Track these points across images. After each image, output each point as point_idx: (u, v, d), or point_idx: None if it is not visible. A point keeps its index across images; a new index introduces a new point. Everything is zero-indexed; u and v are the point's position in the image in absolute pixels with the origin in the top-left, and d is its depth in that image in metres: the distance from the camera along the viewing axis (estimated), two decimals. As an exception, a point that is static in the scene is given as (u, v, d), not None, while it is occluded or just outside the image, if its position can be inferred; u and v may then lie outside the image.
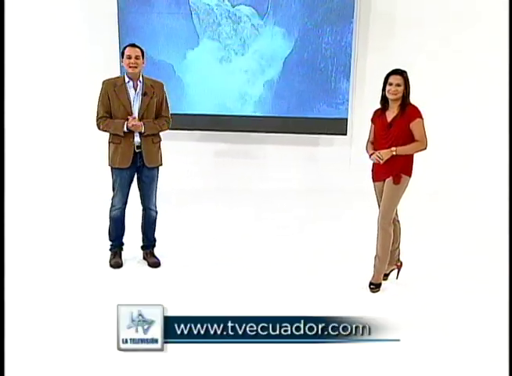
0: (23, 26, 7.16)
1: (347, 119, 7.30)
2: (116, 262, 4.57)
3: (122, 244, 4.70)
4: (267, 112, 7.38)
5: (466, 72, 7.20)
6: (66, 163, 7.58)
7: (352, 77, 7.16)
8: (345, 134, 7.34)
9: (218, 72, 7.31)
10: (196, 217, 6.14)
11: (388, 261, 4.24)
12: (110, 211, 4.55)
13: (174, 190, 6.53)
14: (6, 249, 3.94)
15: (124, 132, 4.25)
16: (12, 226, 5.42)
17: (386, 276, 4.35)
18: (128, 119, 4.23)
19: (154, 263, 4.62)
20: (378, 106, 4.16)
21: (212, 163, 7.75)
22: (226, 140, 7.66)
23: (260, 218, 6.20)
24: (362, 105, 7.28)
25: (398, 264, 4.41)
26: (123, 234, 4.67)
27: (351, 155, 7.57)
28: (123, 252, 4.70)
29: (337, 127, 7.31)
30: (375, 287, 4.19)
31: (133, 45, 4.27)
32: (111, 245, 4.67)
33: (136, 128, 4.23)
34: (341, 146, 7.58)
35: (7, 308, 3.39)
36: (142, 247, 4.75)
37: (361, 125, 7.19)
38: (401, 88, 3.91)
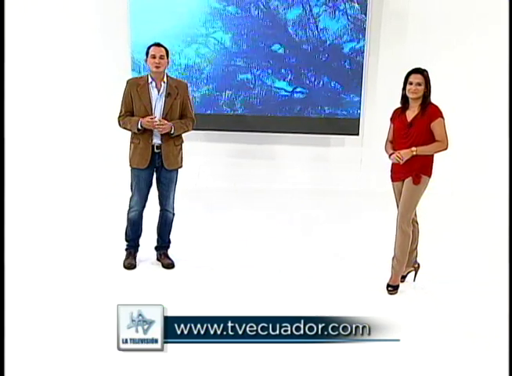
0: (31, 25, 7.23)
1: (359, 119, 7.25)
2: (129, 264, 4.55)
3: (138, 245, 4.69)
4: (278, 112, 7.37)
5: (483, 71, 7.09)
6: (88, 163, 7.64)
7: (364, 76, 7.12)
8: (357, 134, 7.30)
9: (229, 70, 7.32)
10: (203, 217, 6.11)
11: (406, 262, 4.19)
12: (128, 212, 4.54)
13: (184, 191, 6.55)
14: (12, 247, 3.98)
15: (139, 130, 4.23)
16: (27, 224, 5.60)
17: (403, 277, 4.29)
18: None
19: (168, 264, 4.60)
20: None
21: (222, 163, 7.75)
22: (237, 140, 7.67)
23: (270, 218, 6.16)
24: (374, 105, 7.26)
25: (416, 266, 4.33)
26: (139, 236, 4.65)
27: (362, 155, 7.54)
28: (138, 253, 4.68)
29: (349, 127, 7.27)
30: (393, 289, 4.13)
31: (158, 45, 4.26)
32: (127, 245, 4.66)
33: (162, 130, 4.21)
34: (352, 147, 7.55)
35: (7, 307, 3.42)
36: (156, 248, 4.73)
37: (372, 125, 7.18)
38: (421, 88, 3.86)
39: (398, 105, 4.10)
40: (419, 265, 4.35)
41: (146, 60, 4.31)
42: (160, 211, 4.61)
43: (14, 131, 6.88)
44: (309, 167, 7.66)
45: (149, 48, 4.27)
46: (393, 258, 4.16)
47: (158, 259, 4.70)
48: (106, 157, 7.38)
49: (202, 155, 7.44)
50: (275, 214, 6.36)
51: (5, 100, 5.30)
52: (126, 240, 4.65)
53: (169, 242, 4.73)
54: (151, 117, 4.22)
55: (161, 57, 4.21)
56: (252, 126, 7.46)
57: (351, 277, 4.40)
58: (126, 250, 4.65)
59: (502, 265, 4.62)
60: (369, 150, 7.36)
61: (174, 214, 4.63)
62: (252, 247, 5.10)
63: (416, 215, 4.17)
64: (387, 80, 7.03)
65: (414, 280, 4.34)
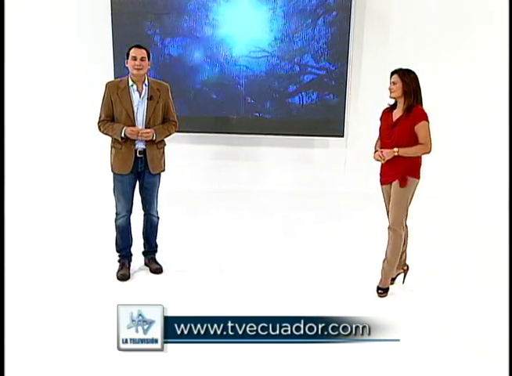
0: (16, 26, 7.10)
1: (343, 121, 7.27)
2: (122, 275, 4.36)
3: (131, 254, 4.54)
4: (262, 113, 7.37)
5: (465, 73, 7.16)
6: (69, 168, 7.56)
7: (348, 78, 7.16)
8: (342, 136, 7.31)
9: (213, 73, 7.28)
10: (187, 219, 6.08)
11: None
12: (115, 220, 4.40)
13: (168, 193, 6.55)
14: (9, 250, 3.95)
15: (122, 138, 4.12)
16: (17, 228, 5.50)
17: (392, 280, 4.29)
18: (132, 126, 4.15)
19: (157, 269, 4.53)
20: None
21: (206, 165, 7.70)
22: (220, 142, 7.61)
23: (256, 220, 6.19)
24: (358, 107, 7.31)
25: (405, 268, 4.35)
26: (131, 244, 4.52)
27: (346, 157, 7.59)
28: (132, 263, 4.53)
29: (334, 129, 7.29)
30: (383, 291, 4.15)
31: (139, 47, 4.15)
32: (119, 256, 4.51)
33: (146, 137, 4.13)
34: (336, 148, 7.55)
35: (7, 307, 3.42)
36: (144, 253, 4.65)
37: (356, 127, 7.22)
38: (396, 87, 3.87)
39: (383, 106, 4.13)
40: (408, 267, 4.36)
41: (126, 62, 4.18)
42: (145, 215, 4.52)
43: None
44: (293, 168, 7.65)
45: (129, 49, 4.16)
46: (384, 261, 4.16)
47: (146, 264, 4.62)
48: (87, 162, 7.36)
49: (185, 157, 7.41)
50: (261, 215, 6.39)
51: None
52: (117, 251, 4.49)
53: (156, 246, 4.66)
54: (134, 128, 4.13)
55: (142, 59, 4.10)
56: (236, 128, 7.42)
57: (347, 278, 4.42)
58: (119, 261, 4.48)
59: (491, 266, 4.73)
60: (353, 152, 7.40)
61: (158, 217, 4.55)
62: (239, 248, 5.12)
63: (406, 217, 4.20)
64: (370, 82, 7.08)
65: (403, 283, 4.37)
